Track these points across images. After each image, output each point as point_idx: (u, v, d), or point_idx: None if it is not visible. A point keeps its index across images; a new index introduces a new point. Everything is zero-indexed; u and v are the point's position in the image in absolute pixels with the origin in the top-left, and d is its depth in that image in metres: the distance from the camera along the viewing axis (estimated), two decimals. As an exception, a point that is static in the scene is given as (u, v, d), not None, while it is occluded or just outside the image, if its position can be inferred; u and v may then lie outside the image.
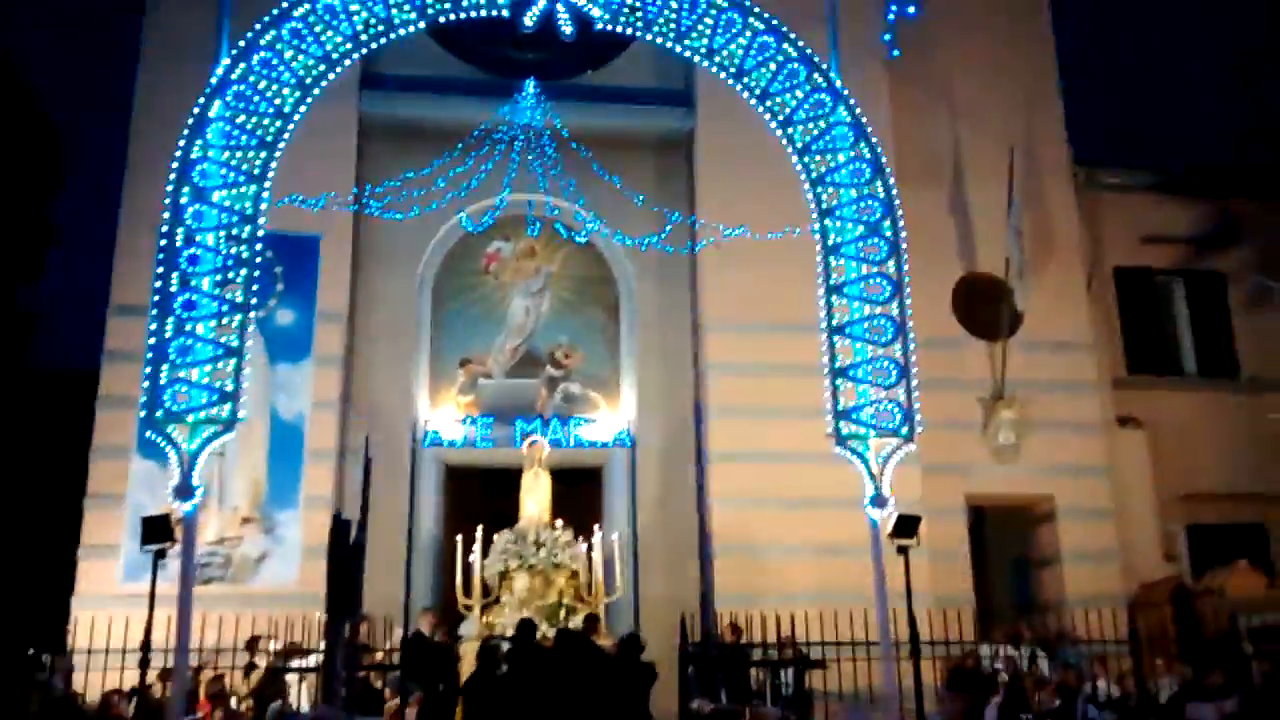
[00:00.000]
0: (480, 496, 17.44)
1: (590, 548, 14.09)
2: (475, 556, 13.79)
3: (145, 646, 9.95)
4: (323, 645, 11.21)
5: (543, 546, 13.79)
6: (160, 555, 10.08)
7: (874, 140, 11.78)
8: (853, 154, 11.71)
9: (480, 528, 13.99)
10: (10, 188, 25.58)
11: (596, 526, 14.58)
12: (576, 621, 12.80)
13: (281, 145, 10.94)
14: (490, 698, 9.16)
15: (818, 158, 11.71)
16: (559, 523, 14.30)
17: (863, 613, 12.26)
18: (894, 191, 11.70)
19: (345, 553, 5.49)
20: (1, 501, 22.19)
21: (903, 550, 11.23)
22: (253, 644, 12.91)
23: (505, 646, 10.04)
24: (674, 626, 12.79)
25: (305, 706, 11.68)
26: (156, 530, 10.08)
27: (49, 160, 27.79)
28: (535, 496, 14.65)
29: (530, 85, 16.19)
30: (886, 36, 13.99)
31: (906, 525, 11.24)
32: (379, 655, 12.58)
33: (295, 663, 12.20)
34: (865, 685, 12.61)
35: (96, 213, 17.32)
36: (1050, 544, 17.63)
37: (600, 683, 9.12)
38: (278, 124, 10.92)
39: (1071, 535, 17.23)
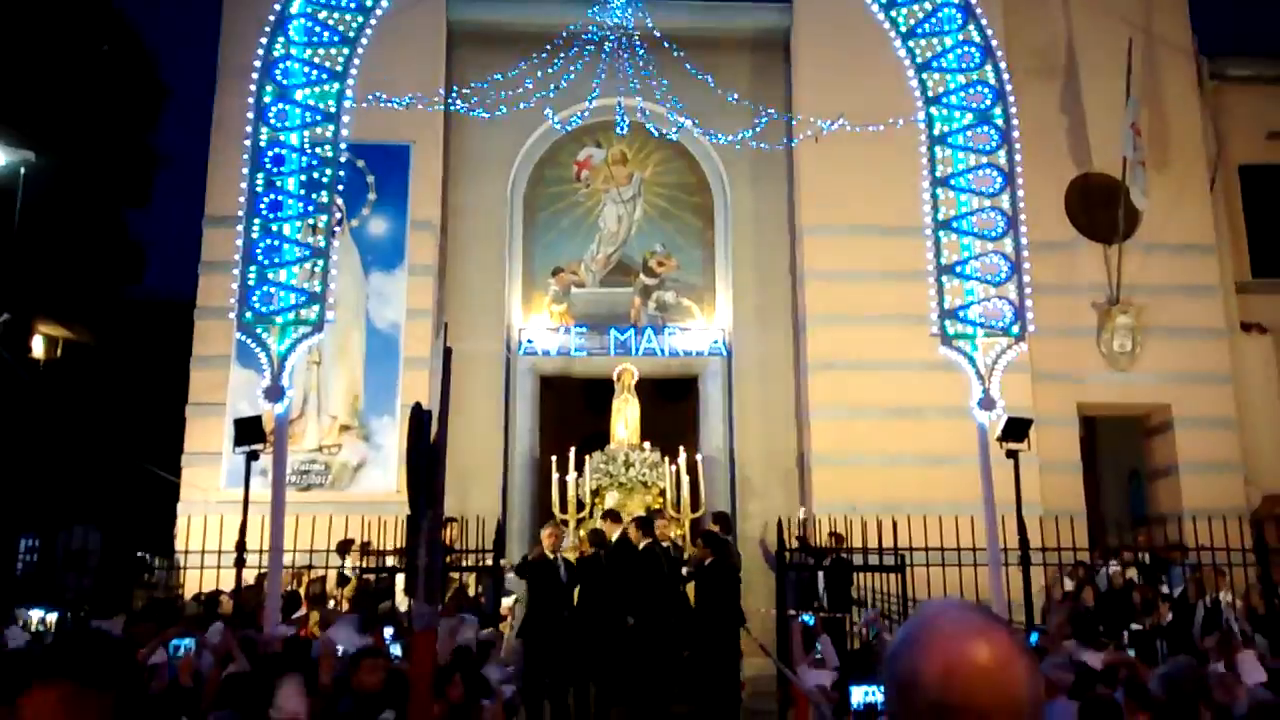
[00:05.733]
0: (575, 406, 17.35)
1: (677, 469, 14.57)
2: (570, 475, 14.34)
3: (240, 547, 10.05)
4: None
5: (631, 466, 14.70)
6: (253, 456, 10.13)
7: (984, 22, 11.03)
8: (961, 37, 10.99)
9: (573, 449, 14.56)
10: (113, 116, 26.03)
11: (681, 448, 14.91)
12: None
13: (364, 41, 10.67)
14: (597, 573, 11.17)
15: (923, 42, 11.01)
16: (646, 445, 15.12)
17: (969, 521, 11.85)
18: (1006, 76, 10.96)
19: (424, 445, 5.31)
20: (119, 418, 22.89)
21: (1012, 455, 10.73)
22: (344, 547, 12.99)
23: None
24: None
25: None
26: (248, 431, 10.13)
27: (148, 87, 28.18)
28: (625, 419, 15.57)
29: (621, -16, 15.63)
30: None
31: (1017, 428, 10.71)
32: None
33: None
34: (972, 593, 12.24)
35: (197, 134, 17.18)
36: (1166, 454, 16.85)
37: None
38: (359, 19, 10.63)
39: (1190, 445, 16.42)
